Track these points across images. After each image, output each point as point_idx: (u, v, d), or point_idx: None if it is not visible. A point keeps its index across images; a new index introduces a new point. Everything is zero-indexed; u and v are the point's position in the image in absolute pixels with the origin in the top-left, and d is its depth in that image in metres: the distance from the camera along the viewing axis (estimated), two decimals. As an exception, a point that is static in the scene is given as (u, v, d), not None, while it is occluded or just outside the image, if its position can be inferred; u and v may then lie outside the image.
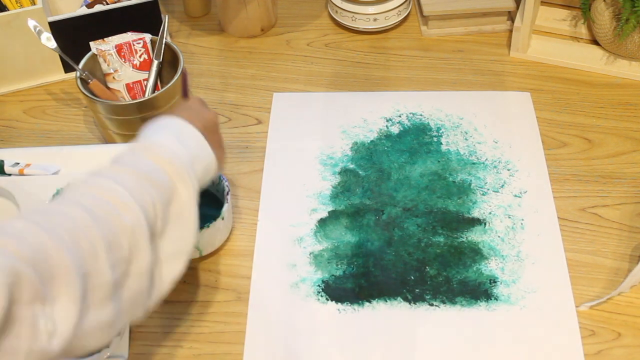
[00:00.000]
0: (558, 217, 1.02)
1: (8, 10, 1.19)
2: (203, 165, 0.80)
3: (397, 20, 1.31)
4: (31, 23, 1.09)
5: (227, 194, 0.98)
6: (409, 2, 1.33)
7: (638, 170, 1.08)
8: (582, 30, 1.27)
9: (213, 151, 0.82)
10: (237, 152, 1.13)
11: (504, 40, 1.30)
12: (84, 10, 1.22)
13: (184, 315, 0.95)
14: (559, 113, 1.17)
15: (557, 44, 1.27)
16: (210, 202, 1.02)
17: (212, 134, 0.84)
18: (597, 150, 1.11)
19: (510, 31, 1.27)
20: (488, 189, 1.07)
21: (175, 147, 0.76)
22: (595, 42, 1.26)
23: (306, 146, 1.14)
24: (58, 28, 1.17)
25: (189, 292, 0.97)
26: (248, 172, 1.11)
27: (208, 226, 0.95)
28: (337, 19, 1.33)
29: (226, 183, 1.00)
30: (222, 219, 0.96)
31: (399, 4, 1.29)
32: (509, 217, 1.03)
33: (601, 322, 0.92)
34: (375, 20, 1.29)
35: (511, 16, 1.31)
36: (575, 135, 1.14)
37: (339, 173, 1.10)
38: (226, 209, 0.97)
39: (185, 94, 0.98)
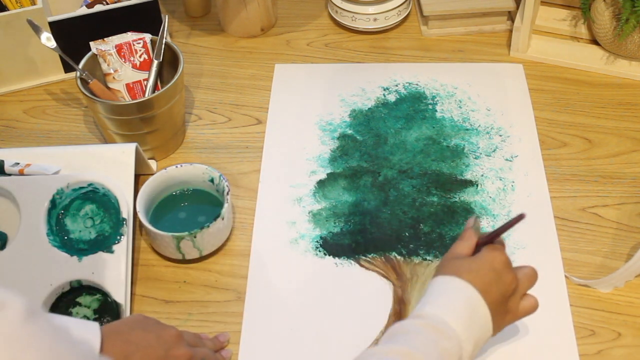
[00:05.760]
0: (547, 180, 1.06)
1: (8, 10, 1.19)
2: (477, 348, 0.76)
3: (397, 20, 1.31)
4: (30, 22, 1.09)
5: (227, 194, 0.98)
6: (409, 2, 1.33)
7: (638, 170, 1.08)
8: (582, 30, 1.27)
9: (494, 324, 0.77)
10: (237, 152, 1.13)
11: (504, 40, 1.30)
12: (84, 10, 1.22)
13: (184, 315, 0.95)
14: (559, 113, 1.17)
15: (557, 44, 1.27)
16: (210, 202, 1.02)
17: (504, 301, 0.79)
18: (597, 150, 1.11)
19: (510, 31, 1.27)
20: (480, 153, 1.10)
21: (463, 337, 0.74)
22: (595, 42, 1.26)
23: (306, 113, 1.18)
24: (58, 28, 1.17)
25: (189, 292, 0.97)
26: (248, 172, 1.11)
27: (208, 226, 0.95)
28: (337, 19, 1.33)
29: (226, 183, 0.99)
30: (222, 219, 0.96)
31: (399, 4, 1.29)
32: (500, 179, 1.07)
33: (601, 322, 0.92)
34: (375, 20, 1.29)
35: (511, 16, 1.31)
36: (575, 135, 1.14)
37: (338, 138, 1.14)
38: (226, 209, 0.97)
39: (497, 235, 0.82)
